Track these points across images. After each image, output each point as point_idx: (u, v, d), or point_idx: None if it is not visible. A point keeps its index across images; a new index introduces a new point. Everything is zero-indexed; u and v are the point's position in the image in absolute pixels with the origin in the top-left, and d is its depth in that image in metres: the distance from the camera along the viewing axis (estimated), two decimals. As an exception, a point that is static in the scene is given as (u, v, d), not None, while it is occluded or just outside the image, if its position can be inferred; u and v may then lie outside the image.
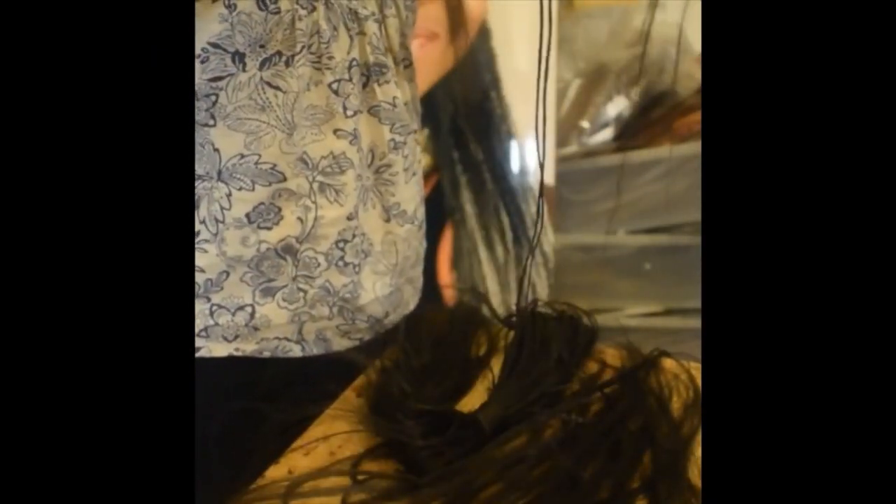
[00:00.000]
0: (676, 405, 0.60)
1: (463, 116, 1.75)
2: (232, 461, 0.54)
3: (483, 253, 1.69)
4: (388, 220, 0.56)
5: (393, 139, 0.68)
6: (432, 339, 0.65)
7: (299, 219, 0.64)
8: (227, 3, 0.57)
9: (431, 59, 1.64)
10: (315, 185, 0.64)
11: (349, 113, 0.64)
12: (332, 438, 0.57)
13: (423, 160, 1.75)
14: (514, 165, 1.78)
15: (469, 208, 1.78)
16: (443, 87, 1.71)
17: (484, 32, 1.61)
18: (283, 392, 0.65)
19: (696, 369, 0.64)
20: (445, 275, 1.61)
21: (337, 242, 0.66)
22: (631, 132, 1.81)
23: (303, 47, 0.60)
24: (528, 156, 1.82)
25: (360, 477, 0.52)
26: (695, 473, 0.53)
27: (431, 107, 1.73)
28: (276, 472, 0.54)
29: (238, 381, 0.64)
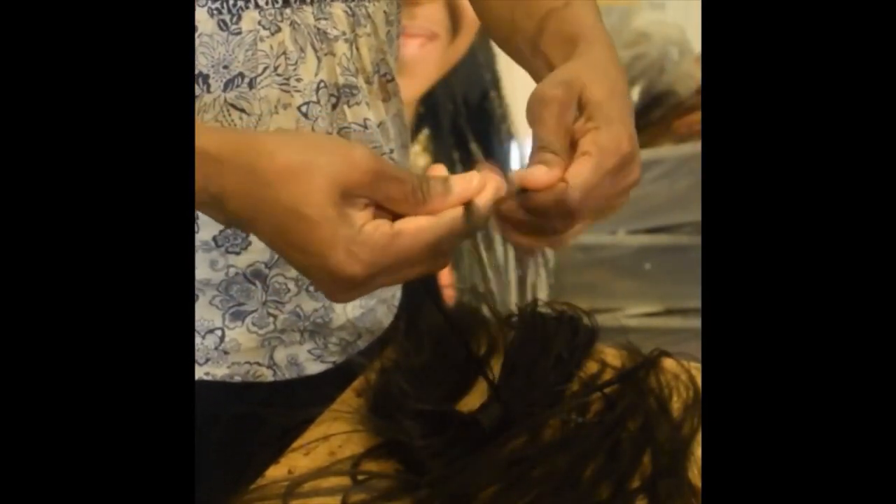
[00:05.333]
0: (676, 405, 0.60)
1: (463, 116, 1.75)
2: (231, 465, 0.54)
3: (483, 253, 1.69)
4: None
5: None
6: (432, 339, 0.65)
7: None
8: None
9: (431, 59, 1.64)
10: None
11: None
12: (332, 438, 0.57)
13: (423, 160, 1.75)
14: (514, 165, 1.78)
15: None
16: (443, 87, 1.71)
17: (484, 32, 1.61)
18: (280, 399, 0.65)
19: (696, 369, 0.64)
20: (445, 275, 1.61)
21: None
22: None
23: (265, 68, 0.59)
24: (528, 156, 1.82)
25: (360, 477, 0.52)
26: (695, 473, 0.53)
27: (431, 107, 1.72)
28: (276, 472, 0.54)
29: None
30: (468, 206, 0.47)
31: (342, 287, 0.46)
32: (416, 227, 0.46)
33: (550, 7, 0.62)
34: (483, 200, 0.47)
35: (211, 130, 0.49)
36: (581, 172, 0.49)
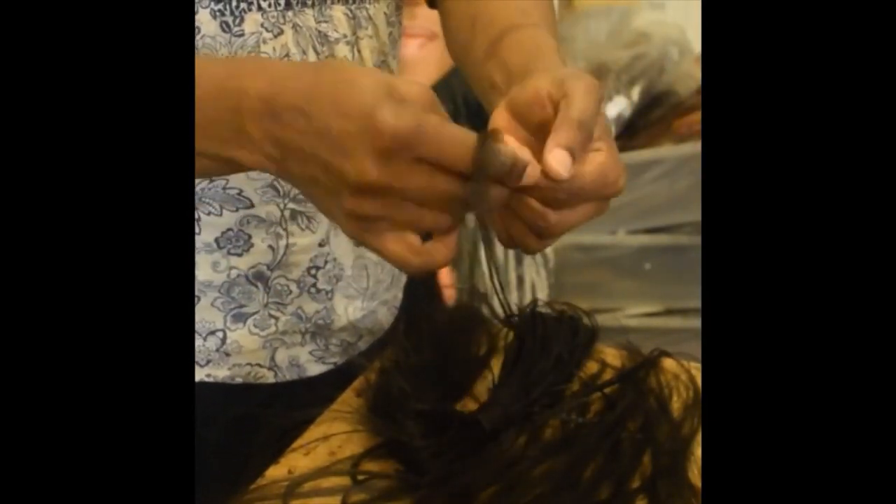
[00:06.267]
0: (676, 405, 0.60)
1: (463, 116, 1.75)
2: (231, 465, 0.54)
3: (483, 253, 1.68)
4: (359, 245, 0.55)
5: None
6: (432, 339, 0.65)
7: (270, 246, 0.64)
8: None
9: (431, 59, 1.64)
10: (286, 213, 0.63)
11: None
12: (332, 438, 0.57)
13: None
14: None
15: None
16: (443, 87, 1.71)
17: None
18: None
19: (696, 369, 0.64)
20: (445, 275, 1.61)
21: (309, 269, 0.66)
22: (631, 132, 1.81)
23: None
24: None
25: (360, 477, 0.52)
26: (695, 473, 0.53)
27: (431, 107, 1.72)
28: (276, 472, 0.54)
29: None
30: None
31: (379, 155, 0.42)
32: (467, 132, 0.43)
33: (514, 23, 0.61)
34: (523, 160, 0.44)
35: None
36: (585, 174, 0.48)
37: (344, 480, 0.52)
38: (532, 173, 0.45)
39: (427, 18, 1.59)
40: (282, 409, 0.58)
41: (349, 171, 0.43)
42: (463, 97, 1.75)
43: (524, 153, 0.45)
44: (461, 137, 0.43)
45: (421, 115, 0.42)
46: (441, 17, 0.71)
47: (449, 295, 1.55)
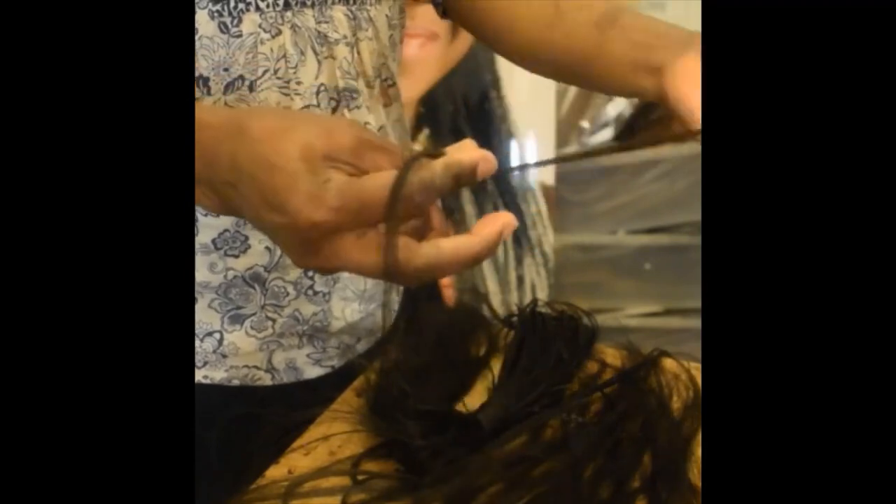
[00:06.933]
0: (676, 405, 0.60)
1: (463, 116, 1.75)
2: (230, 465, 0.54)
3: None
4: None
5: None
6: (432, 339, 0.65)
7: (267, 248, 0.63)
8: None
9: (431, 59, 1.65)
10: None
11: None
12: (332, 438, 0.57)
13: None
14: (514, 165, 1.79)
15: (469, 208, 1.78)
16: (443, 87, 1.71)
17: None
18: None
19: (696, 369, 0.64)
20: (445, 275, 1.60)
21: (306, 271, 0.65)
22: (631, 132, 1.81)
23: (265, 71, 0.59)
24: (528, 156, 1.82)
25: (360, 477, 0.52)
26: (695, 473, 0.53)
27: (431, 107, 1.73)
28: (276, 472, 0.54)
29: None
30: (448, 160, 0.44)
31: (305, 242, 0.44)
32: (388, 173, 0.43)
33: (610, 7, 0.63)
34: (467, 156, 0.44)
35: (210, 106, 0.50)
36: None
37: (344, 480, 0.52)
38: (485, 169, 0.45)
39: (427, 18, 1.59)
40: (280, 409, 0.58)
41: (285, 248, 0.46)
42: (463, 97, 1.76)
43: (468, 155, 0.45)
44: (383, 184, 0.43)
45: (343, 187, 0.43)
46: (470, 21, 0.71)
47: (449, 295, 1.55)
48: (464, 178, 0.44)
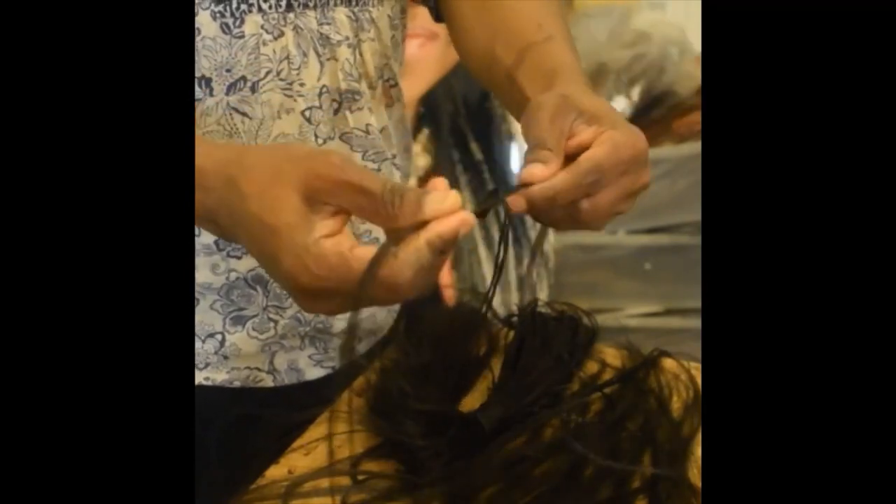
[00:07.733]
0: (676, 405, 0.60)
1: (463, 116, 1.75)
2: (230, 465, 0.54)
3: (483, 253, 1.69)
4: None
5: (365, 167, 0.65)
6: (432, 339, 0.64)
7: None
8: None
9: (431, 59, 1.64)
10: None
11: (319, 140, 0.63)
12: (332, 438, 0.57)
13: (423, 160, 1.75)
14: (514, 165, 1.78)
15: (469, 208, 1.78)
16: (443, 87, 1.71)
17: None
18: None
19: (696, 369, 0.64)
20: (445, 275, 1.61)
21: None
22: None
23: (268, 73, 0.59)
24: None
25: (360, 477, 0.52)
26: (695, 473, 0.53)
27: (431, 107, 1.72)
28: (276, 472, 0.54)
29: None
30: (431, 241, 0.45)
31: (300, 295, 0.47)
32: (371, 250, 0.45)
33: (530, 41, 0.63)
34: (447, 228, 0.45)
35: (206, 145, 0.50)
36: (595, 154, 0.52)
37: (344, 480, 0.52)
38: (464, 231, 0.46)
39: (427, 18, 1.58)
40: (282, 409, 0.58)
41: (289, 294, 0.49)
42: (463, 97, 1.75)
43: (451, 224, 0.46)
44: (364, 257, 0.45)
45: (329, 255, 0.45)
46: (452, 30, 0.72)
47: (449, 295, 1.55)
48: (448, 247, 0.46)
